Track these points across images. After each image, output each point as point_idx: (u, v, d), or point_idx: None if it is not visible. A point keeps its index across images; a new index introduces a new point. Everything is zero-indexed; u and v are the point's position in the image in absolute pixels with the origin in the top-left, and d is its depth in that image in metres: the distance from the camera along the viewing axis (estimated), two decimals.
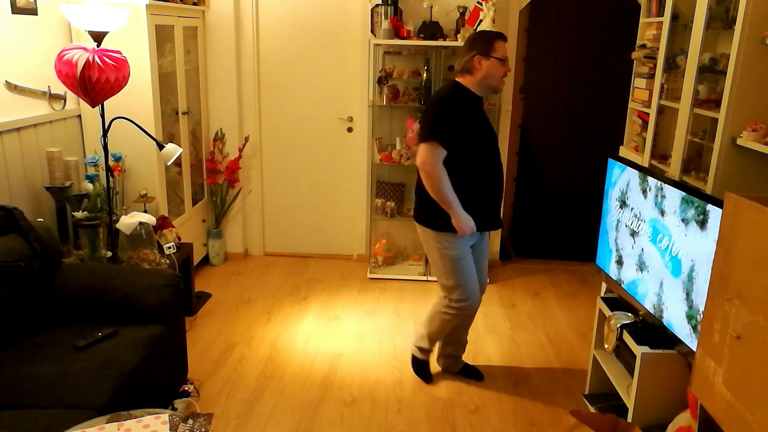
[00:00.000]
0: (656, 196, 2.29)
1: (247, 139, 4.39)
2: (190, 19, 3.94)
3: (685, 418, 2.05)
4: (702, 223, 2.01)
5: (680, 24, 2.86)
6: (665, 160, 2.93)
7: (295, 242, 4.70)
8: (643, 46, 3.19)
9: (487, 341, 3.42)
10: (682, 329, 2.13)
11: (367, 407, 2.80)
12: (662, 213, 2.25)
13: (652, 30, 3.15)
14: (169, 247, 3.28)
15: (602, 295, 2.89)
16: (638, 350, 2.23)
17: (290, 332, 3.49)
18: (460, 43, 3.90)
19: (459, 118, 2.57)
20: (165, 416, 1.79)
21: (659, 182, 2.28)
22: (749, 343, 1.46)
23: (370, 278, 4.30)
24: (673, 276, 2.18)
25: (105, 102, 2.85)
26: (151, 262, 3.10)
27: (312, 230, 4.68)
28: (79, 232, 3.03)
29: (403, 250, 4.58)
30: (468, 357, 3.12)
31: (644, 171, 2.42)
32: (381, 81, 4.07)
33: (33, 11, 3.04)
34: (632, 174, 2.49)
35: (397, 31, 3.94)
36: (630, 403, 2.30)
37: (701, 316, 1.95)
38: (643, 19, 3.31)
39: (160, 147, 3.03)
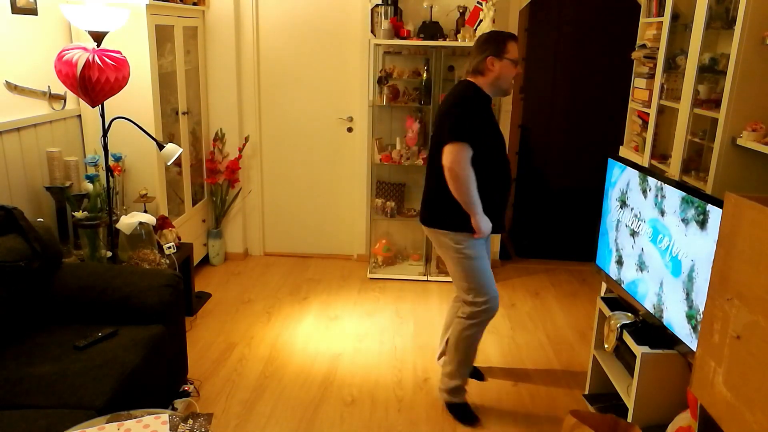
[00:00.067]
0: (656, 196, 2.29)
1: (247, 139, 4.39)
2: (190, 19, 3.94)
3: (685, 418, 2.05)
4: (702, 223, 2.01)
5: (680, 24, 2.86)
6: (665, 160, 2.93)
7: (295, 242, 4.70)
8: (643, 46, 3.20)
9: (487, 341, 3.42)
10: (682, 329, 2.13)
11: (367, 407, 2.80)
12: (662, 213, 2.25)
13: (652, 30, 3.15)
14: (169, 247, 3.28)
15: (602, 295, 2.89)
16: (638, 350, 2.23)
17: (290, 332, 3.49)
18: (460, 43, 3.91)
19: (480, 118, 2.53)
20: (165, 416, 1.79)
21: (659, 182, 2.28)
22: (749, 343, 1.46)
23: (370, 278, 4.30)
24: (673, 276, 2.18)
25: (105, 102, 2.85)
26: (151, 262, 3.10)
27: (312, 230, 4.68)
28: (79, 232, 3.03)
29: (403, 250, 4.58)
30: None
31: (644, 171, 2.42)
32: (381, 81, 4.07)
33: (33, 11, 3.04)
34: (632, 174, 2.49)
35: (397, 31, 3.94)
36: (630, 403, 2.30)
37: (701, 316, 1.95)
38: (643, 19, 3.31)
39: (160, 147, 3.03)
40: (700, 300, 2.00)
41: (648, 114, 3.08)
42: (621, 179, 2.59)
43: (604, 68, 4.39)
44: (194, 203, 4.19)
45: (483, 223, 2.55)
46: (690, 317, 2.08)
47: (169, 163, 3.17)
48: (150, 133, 3.09)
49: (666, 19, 2.88)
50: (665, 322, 2.23)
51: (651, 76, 3.09)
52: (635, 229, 2.46)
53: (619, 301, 2.64)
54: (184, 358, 2.83)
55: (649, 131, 3.03)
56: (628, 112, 3.45)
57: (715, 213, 1.94)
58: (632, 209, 2.49)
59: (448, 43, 3.95)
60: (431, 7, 4.02)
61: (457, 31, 3.98)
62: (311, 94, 4.40)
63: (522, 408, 2.82)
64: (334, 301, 3.94)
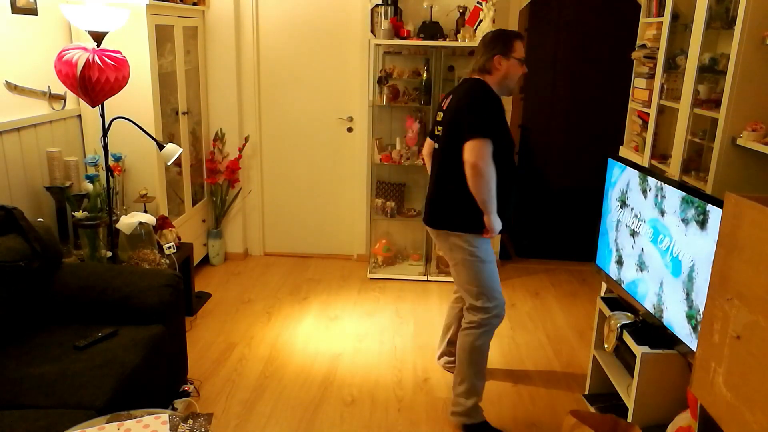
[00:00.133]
0: (656, 196, 2.29)
1: (247, 139, 4.39)
2: (190, 19, 3.94)
3: (685, 418, 2.05)
4: (702, 223, 2.01)
5: (680, 24, 2.86)
6: (665, 160, 2.93)
7: (295, 242, 4.70)
8: (643, 46, 3.20)
9: None
10: (682, 329, 2.13)
11: (367, 407, 2.80)
12: (662, 213, 2.25)
13: (652, 30, 3.15)
14: (169, 247, 3.28)
15: (602, 295, 2.89)
16: (638, 350, 2.23)
17: (290, 332, 3.49)
18: (460, 43, 3.91)
19: (498, 115, 2.48)
20: (165, 416, 1.79)
21: (659, 182, 2.28)
22: (749, 343, 1.46)
23: (370, 278, 4.30)
24: (673, 276, 2.18)
25: (105, 102, 2.85)
26: (151, 262, 3.10)
27: (312, 230, 4.68)
28: (79, 232, 3.03)
29: (403, 250, 4.58)
30: None
31: (644, 171, 2.42)
32: (381, 81, 4.07)
33: (33, 11, 3.04)
34: (632, 174, 2.49)
35: (397, 31, 3.94)
36: (630, 403, 2.30)
37: (701, 316, 1.95)
38: (643, 19, 3.31)
39: (160, 147, 3.03)
40: (700, 300, 2.00)
41: (648, 114, 3.08)
42: (621, 179, 2.59)
43: (604, 68, 4.40)
44: (194, 203, 4.19)
45: (495, 222, 2.49)
46: (690, 317, 2.08)
47: (169, 163, 3.17)
48: (150, 133, 3.08)
49: (666, 19, 2.88)
50: (665, 322, 2.23)
51: (651, 76, 3.09)
52: (635, 229, 2.46)
53: (619, 301, 2.64)
54: (184, 358, 2.83)
55: (649, 131, 3.03)
56: (628, 112, 3.45)
57: (715, 213, 1.94)
58: (632, 209, 2.49)
59: (448, 43, 3.95)
60: (431, 7, 4.02)
61: (457, 31, 3.98)
62: (311, 94, 4.40)
63: (522, 408, 2.82)
64: (334, 301, 3.94)
